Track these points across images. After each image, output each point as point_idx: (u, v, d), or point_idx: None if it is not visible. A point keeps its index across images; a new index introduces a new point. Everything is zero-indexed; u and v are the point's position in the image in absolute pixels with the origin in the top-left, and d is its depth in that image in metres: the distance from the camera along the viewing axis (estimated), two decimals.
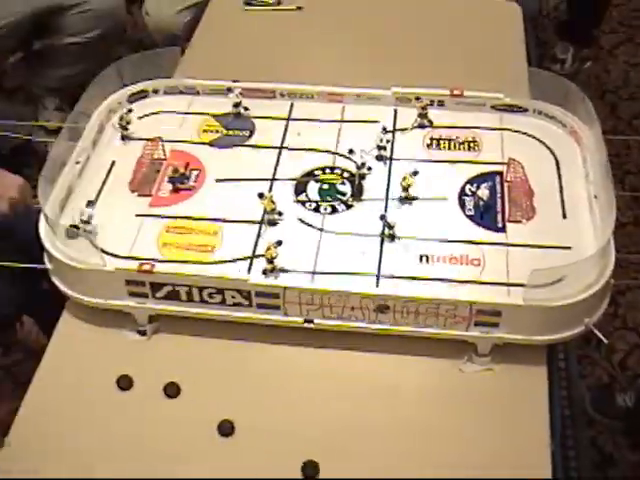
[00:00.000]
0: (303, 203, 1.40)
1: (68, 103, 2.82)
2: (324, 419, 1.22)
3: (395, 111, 1.58)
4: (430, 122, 1.55)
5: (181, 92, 1.65)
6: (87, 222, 1.33)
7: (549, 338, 1.24)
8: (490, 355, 1.26)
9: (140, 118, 1.59)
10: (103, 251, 1.29)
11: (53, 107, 2.91)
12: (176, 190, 1.43)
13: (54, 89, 2.88)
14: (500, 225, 1.35)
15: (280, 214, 1.39)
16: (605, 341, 1.24)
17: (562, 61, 3.26)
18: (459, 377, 1.26)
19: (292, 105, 1.61)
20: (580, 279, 1.21)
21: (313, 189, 1.43)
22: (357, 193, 1.41)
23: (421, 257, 1.31)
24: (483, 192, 1.37)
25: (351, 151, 1.49)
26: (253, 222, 1.37)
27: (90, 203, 1.39)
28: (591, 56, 3.31)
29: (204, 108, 1.61)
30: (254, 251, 1.32)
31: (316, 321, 1.27)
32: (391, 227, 1.32)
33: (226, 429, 1.20)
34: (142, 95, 1.64)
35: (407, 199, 1.41)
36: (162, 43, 2.51)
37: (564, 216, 1.37)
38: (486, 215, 1.37)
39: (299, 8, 2.05)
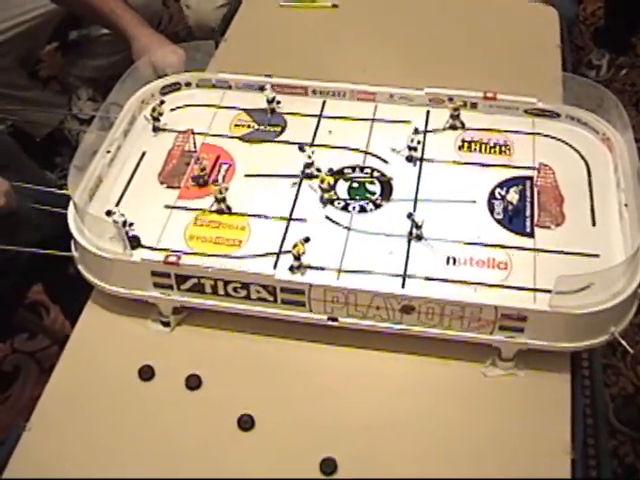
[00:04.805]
0: (332, 201, 1.40)
1: (102, 94, 2.84)
2: (344, 417, 1.22)
3: (427, 112, 1.57)
4: (462, 124, 1.54)
5: (214, 86, 1.65)
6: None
7: (574, 345, 1.23)
8: (514, 360, 1.25)
9: (172, 110, 1.60)
10: (130, 241, 1.30)
11: (86, 97, 2.93)
12: (205, 183, 1.44)
13: (89, 79, 2.90)
14: (528, 230, 1.34)
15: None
16: (631, 351, 1.23)
17: (597, 68, 3.24)
18: (482, 381, 1.26)
19: (324, 103, 1.60)
20: (607, 287, 1.20)
21: (342, 188, 1.43)
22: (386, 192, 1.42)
23: (448, 259, 1.30)
24: (513, 196, 1.36)
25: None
26: (281, 218, 1.37)
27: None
28: (627, 64, 3.29)
29: (236, 102, 1.61)
30: (281, 247, 1.32)
31: (340, 319, 1.26)
32: (418, 227, 1.32)
33: (246, 423, 1.20)
34: (175, 87, 1.64)
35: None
36: (201, 37, 2.52)
37: (593, 223, 1.36)
38: (515, 219, 1.36)
39: (335, 6, 2.04)
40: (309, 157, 1.43)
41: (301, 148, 1.47)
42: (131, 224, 1.33)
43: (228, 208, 1.39)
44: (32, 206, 1.49)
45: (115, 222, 1.29)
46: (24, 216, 1.59)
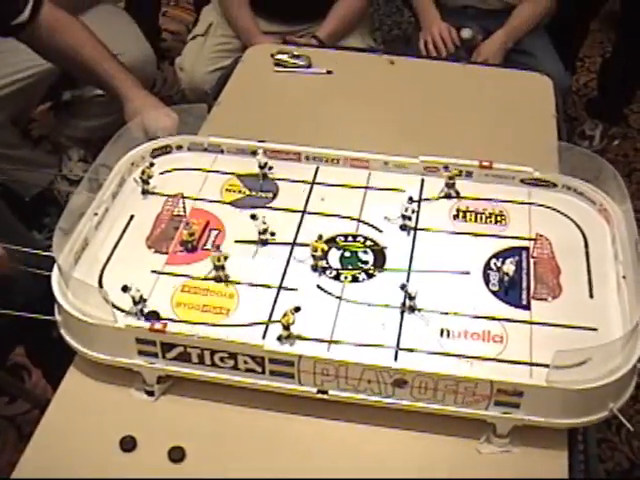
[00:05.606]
0: (323, 270, 1.37)
1: (93, 155, 2.83)
2: None
3: (422, 180, 1.55)
4: (457, 193, 1.52)
5: (205, 149, 1.63)
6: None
7: (572, 422, 1.20)
8: (509, 436, 1.22)
9: (162, 173, 1.58)
10: (114, 306, 1.26)
11: (77, 158, 2.93)
12: (194, 249, 1.41)
13: (80, 140, 2.90)
14: (525, 302, 1.32)
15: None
16: (631, 428, 1.19)
17: (590, 138, 3.27)
18: (476, 458, 1.22)
19: (317, 169, 1.59)
20: (606, 362, 1.17)
21: (335, 256, 1.40)
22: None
23: (442, 331, 1.27)
24: (509, 267, 1.34)
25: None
26: (271, 286, 1.34)
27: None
28: (619, 134, 3.31)
29: (228, 167, 1.60)
30: (270, 316, 1.29)
31: (330, 392, 1.23)
32: (412, 298, 1.29)
33: None
34: (166, 150, 1.62)
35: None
36: (194, 100, 2.52)
37: (591, 296, 1.33)
38: (511, 291, 1.33)
39: (329, 72, 2.04)
40: (264, 223, 1.42)
41: (253, 216, 1.47)
42: (145, 300, 1.29)
43: (226, 277, 1.36)
44: (18, 268, 1.46)
45: (133, 298, 1.27)
46: (10, 278, 1.56)
